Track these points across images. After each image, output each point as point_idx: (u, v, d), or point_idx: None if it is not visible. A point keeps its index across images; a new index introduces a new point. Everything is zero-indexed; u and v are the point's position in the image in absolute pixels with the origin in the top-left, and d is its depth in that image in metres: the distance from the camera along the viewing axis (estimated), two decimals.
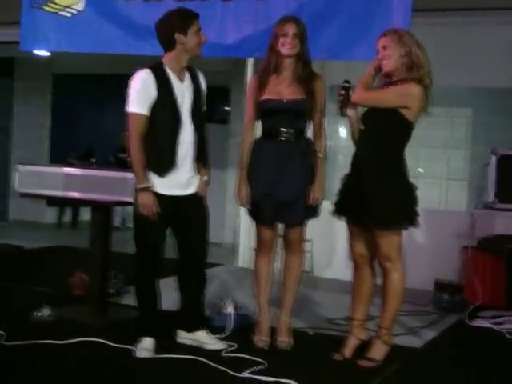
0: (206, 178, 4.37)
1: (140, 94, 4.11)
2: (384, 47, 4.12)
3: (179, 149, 4.19)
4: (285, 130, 4.33)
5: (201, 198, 4.36)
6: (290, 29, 4.31)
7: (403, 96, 4.05)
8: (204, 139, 4.34)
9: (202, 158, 4.34)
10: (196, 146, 4.27)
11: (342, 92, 4.20)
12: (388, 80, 4.18)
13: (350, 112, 4.25)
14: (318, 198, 4.37)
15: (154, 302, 4.35)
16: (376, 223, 4.09)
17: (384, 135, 4.10)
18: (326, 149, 4.44)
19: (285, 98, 4.35)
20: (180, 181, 4.24)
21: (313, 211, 4.42)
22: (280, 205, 4.34)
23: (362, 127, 4.22)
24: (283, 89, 4.37)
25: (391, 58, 4.10)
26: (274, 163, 4.35)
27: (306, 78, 4.35)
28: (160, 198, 4.18)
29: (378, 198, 4.05)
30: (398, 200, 4.10)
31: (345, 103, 4.21)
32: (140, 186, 4.15)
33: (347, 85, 4.21)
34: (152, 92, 4.11)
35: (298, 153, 4.36)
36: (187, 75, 4.27)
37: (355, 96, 4.16)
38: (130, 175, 4.75)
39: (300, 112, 4.35)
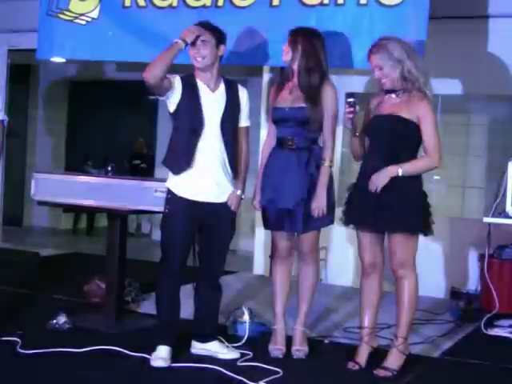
0: (238, 192, 4.36)
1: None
2: (379, 67, 4.11)
3: (198, 152, 4.20)
4: (287, 138, 4.35)
5: (230, 211, 4.34)
6: (288, 38, 4.37)
7: (433, 119, 4.07)
8: (237, 152, 4.34)
9: (235, 171, 4.34)
10: (227, 156, 4.27)
11: (351, 109, 4.12)
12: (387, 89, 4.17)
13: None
14: (319, 208, 4.29)
15: (174, 312, 4.33)
16: (399, 228, 4.07)
17: (397, 143, 4.09)
18: (332, 158, 4.35)
19: (288, 106, 4.36)
20: (206, 188, 4.23)
21: (317, 221, 4.34)
22: (280, 213, 4.35)
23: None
24: (288, 97, 4.39)
25: (388, 77, 4.11)
26: (277, 171, 4.37)
27: (311, 86, 4.30)
28: (185, 201, 4.21)
29: (400, 203, 4.04)
30: (419, 205, 4.11)
31: (354, 122, 4.15)
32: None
33: (352, 100, 4.13)
34: (178, 91, 4.19)
35: (301, 161, 4.33)
36: (222, 87, 4.30)
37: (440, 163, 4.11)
38: (145, 183, 4.78)
39: (303, 120, 4.32)
